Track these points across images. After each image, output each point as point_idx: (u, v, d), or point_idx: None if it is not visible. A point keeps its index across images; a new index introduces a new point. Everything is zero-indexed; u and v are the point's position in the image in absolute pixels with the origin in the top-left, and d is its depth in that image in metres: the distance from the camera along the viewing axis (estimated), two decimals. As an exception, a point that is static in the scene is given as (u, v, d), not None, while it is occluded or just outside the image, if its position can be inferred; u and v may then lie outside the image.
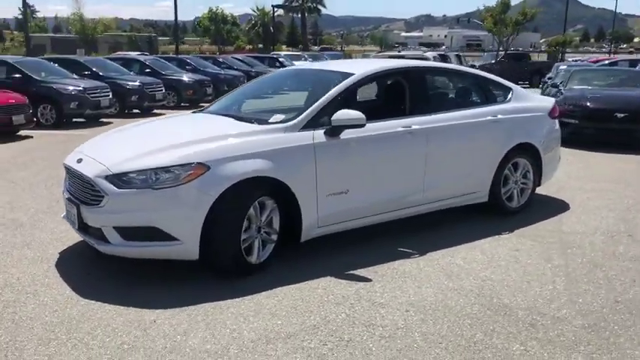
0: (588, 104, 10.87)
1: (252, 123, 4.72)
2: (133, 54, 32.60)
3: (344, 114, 4.59)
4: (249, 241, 4.33)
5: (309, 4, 60.87)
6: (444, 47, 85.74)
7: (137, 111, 16.81)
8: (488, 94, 6.00)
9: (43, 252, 4.88)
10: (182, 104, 18.75)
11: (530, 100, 6.27)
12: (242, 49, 56.22)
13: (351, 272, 4.43)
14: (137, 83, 17.00)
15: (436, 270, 4.51)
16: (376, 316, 3.70)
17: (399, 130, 5.05)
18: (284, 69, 7.48)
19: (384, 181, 5.01)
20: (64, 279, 4.31)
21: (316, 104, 4.74)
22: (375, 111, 5.17)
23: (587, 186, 7.44)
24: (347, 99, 5.03)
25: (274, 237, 4.55)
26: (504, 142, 5.77)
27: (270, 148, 4.38)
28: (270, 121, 4.73)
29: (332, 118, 4.59)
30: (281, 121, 4.66)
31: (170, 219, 4.06)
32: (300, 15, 61.28)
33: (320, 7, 62.67)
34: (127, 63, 20.59)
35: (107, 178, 4.12)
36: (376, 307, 3.83)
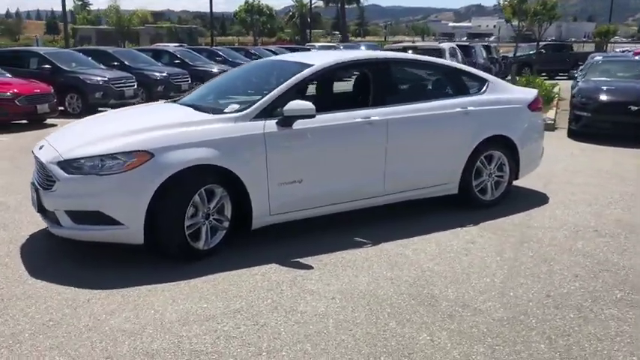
0: (601, 97, 10.57)
1: (208, 113, 4.84)
2: (171, 45, 33.36)
3: (295, 104, 4.67)
4: (196, 227, 4.46)
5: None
6: (492, 37, 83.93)
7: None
8: (460, 85, 5.95)
9: (16, 233, 5.14)
10: None
11: (508, 92, 6.18)
12: (283, 40, 56.63)
13: (297, 260, 4.51)
14: (164, 74, 17.45)
15: (382, 260, 4.54)
16: (300, 303, 3.78)
17: (357, 121, 5.08)
18: (258, 60, 7.57)
19: (341, 172, 5.06)
20: (24, 259, 4.54)
21: (269, 95, 4.83)
22: (337, 102, 5.23)
23: (577, 180, 7.28)
24: (304, 90, 5.09)
25: (226, 224, 4.68)
26: (475, 133, 5.71)
27: (218, 137, 4.50)
28: (225, 110, 4.84)
29: (284, 109, 4.67)
30: (235, 111, 4.77)
31: (115, 204, 4.23)
32: (340, 6, 61.18)
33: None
34: (158, 54, 21.21)
35: (59, 163, 4.32)
36: (304, 294, 3.91)
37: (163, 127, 4.56)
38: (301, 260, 4.52)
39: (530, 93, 6.44)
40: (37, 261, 4.53)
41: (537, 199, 6.36)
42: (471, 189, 5.85)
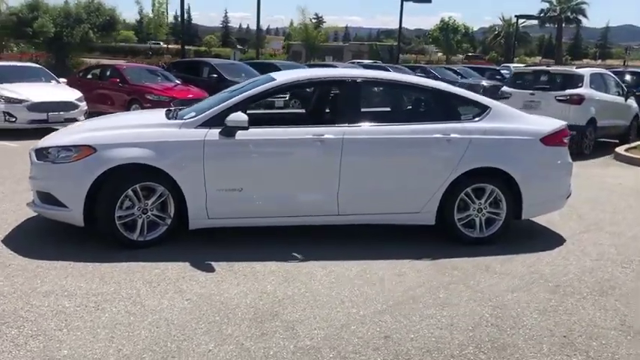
0: None
1: (173, 119, 5.30)
2: (364, 62, 34.82)
3: (234, 116, 4.91)
4: (129, 219, 4.95)
5: (568, 14, 56.15)
6: None
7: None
8: (448, 110, 5.52)
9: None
10: None
11: (516, 122, 5.58)
12: (484, 60, 54.99)
13: (209, 263, 4.72)
14: None
15: (280, 275, 4.52)
16: (154, 299, 4.04)
17: (306, 138, 5.11)
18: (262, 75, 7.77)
19: (286, 186, 5.14)
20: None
21: (219, 106, 5.14)
22: (296, 117, 5.33)
23: (616, 229, 6.21)
24: (262, 103, 5.29)
25: (168, 221, 5.09)
26: (458, 163, 5.30)
27: (157, 140, 4.94)
28: (184, 117, 5.26)
29: (226, 120, 4.95)
30: (187, 119, 5.17)
31: (61, 189, 4.93)
32: (556, 26, 57.10)
33: (581, 17, 57.45)
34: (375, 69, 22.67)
35: (35, 150, 5.16)
36: (170, 293, 4.14)
37: (121, 128, 5.16)
38: (213, 264, 4.72)
39: (550, 125, 5.72)
40: (13, 236, 5.32)
41: (545, 244, 5.62)
42: (453, 222, 5.43)
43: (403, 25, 34.20)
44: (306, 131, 5.17)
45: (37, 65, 14.36)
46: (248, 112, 5.12)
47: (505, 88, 12.39)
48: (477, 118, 5.50)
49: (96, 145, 4.88)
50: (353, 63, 34.09)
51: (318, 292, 4.26)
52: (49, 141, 5.17)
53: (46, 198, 5.04)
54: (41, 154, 5.07)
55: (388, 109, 6.04)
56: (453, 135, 5.31)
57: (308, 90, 6.14)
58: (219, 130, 4.99)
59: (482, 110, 5.54)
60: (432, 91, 5.68)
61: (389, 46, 41.94)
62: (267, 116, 6.09)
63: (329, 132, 5.15)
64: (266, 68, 19.66)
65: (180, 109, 5.79)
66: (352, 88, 5.37)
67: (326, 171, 5.14)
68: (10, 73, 13.33)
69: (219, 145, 4.98)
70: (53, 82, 13.59)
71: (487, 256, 5.15)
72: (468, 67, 30.04)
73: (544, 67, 13.34)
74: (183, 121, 5.12)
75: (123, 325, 3.61)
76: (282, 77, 5.43)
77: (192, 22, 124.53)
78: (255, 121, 5.04)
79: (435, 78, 24.72)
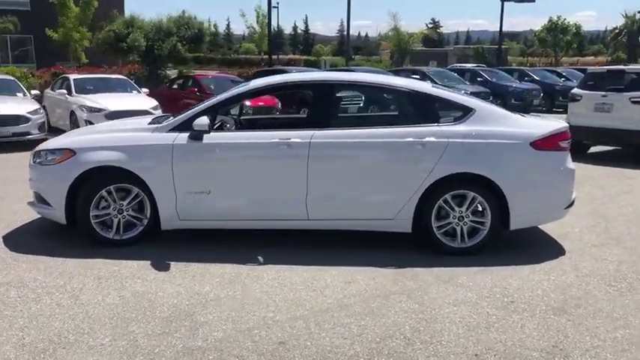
0: None
1: (150, 124, 5.54)
2: (467, 65, 33.88)
3: (199, 120, 5.05)
4: (104, 218, 5.23)
5: None
6: None
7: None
8: (426, 112, 5.25)
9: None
10: None
11: (503, 125, 5.19)
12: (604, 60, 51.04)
13: (169, 263, 4.87)
14: (467, 92, 18.53)
15: (224, 279, 4.55)
16: (76, 290, 4.25)
17: (273, 142, 5.13)
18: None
19: (254, 189, 5.18)
20: None
21: (190, 111, 5.30)
22: (267, 121, 5.36)
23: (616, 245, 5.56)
24: (238, 107, 5.38)
25: (145, 221, 5.33)
26: (433, 168, 5.04)
27: (130, 143, 5.20)
28: (161, 122, 5.49)
29: (193, 124, 5.10)
30: (162, 124, 5.38)
31: (47, 189, 5.34)
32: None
33: None
34: (462, 73, 23.14)
35: (33, 154, 5.63)
36: (95, 287, 4.34)
37: (104, 132, 5.49)
38: (173, 264, 4.85)
39: (544, 128, 5.26)
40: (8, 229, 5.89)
41: (538, 256, 5.18)
42: (431, 231, 5.17)
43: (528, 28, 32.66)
44: (273, 135, 5.18)
45: (123, 77, 15.49)
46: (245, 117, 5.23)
47: (575, 91, 11.50)
48: (457, 122, 5.20)
49: (75, 149, 5.22)
50: (454, 66, 33.36)
51: (251, 295, 4.25)
52: (44, 144, 5.61)
53: (39, 197, 5.46)
54: (36, 156, 5.51)
55: (361, 112, 5.87)
56: (427, 139, 5.06)
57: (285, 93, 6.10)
58: (188, 134, 5.13)
59: (464, 113, 5.22)
60: (409, 94, 5.45)
61: (496, 48, 40.11)
62: (255, 121, 6.15)
63: (296, 136, 5.12)
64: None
65: (172, 115, 6.02)
66: (323, 92, 5.30)
67: (293, 175, 5.11)
68: (99, 84, 14.54)
69: (187, 149, 5.12)
70: (134, 92, 14.59)
71: (461, 267, 4.85)
72: (576, 69, 28.12)
73: (619, 67, 12.17)
74: (156, 125, 5.33)
75: (44, 317, 3.84)
76: (255, 82, 5.48)
77: (311, 32, 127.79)
78: (241, 126, 5.12)
79: (533, 81, 23.61)
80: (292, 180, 5.12)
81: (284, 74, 7.28)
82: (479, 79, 21.95)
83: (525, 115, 5.83)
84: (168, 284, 4.45)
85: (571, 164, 5.34)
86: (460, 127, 5.14)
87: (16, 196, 6.85)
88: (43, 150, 5.46)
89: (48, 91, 15.55)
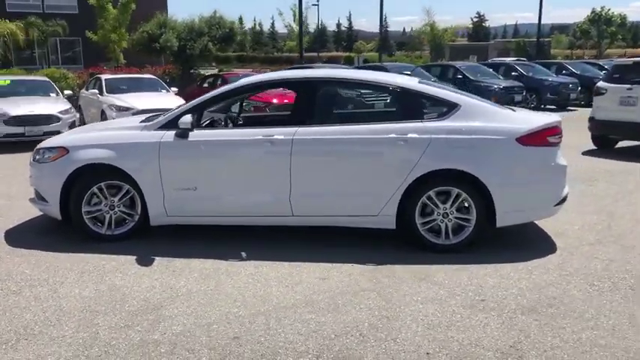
0: None
1: (142, 122, 5.68)
2: (507, 60, 33.16)
3: (184, 118, 5.16)
4: (96, 214, 5.40)
5: None
6: None
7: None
8: (408, 108, 5.18)
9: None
10: (543, 106, 19.66)
11: (488, 121, 5.08)
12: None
13: (153, 258, 4.99)
14: (500, 86, 18.67)
15: (202, 274, 4.64)
16: (57, 284, 4.41)
17: (256, 139, 5.18)
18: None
19: (239, 186, 5.24)
20: None
21: (177, 109, 5.40)
22: (253, 119, 5.42)
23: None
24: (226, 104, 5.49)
25: (136, 217, 5.48)
26: (416, 164, 4.99)
27: (119, 141, 5.35)
28: (153, 121, 5.62)
29: (178, 122, 5.21)
30: (152, 122, 5.51)
31: (43, 186, 5.55)
32: None
33: None
34: (496, 67, 22.62)
35: (34, 152, 5.85)
36: (76, 281, 4.50)
37: (97, 130, 5.66)
38: (158, 259, 4.96)
39: (531, 123, 5.12)
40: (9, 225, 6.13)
41: (527, 254, 5.06)
42: (414, 227, 5.13)
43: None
44: (257, 132, 5.24)
45: (153, 76, 15.86)
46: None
47: (600, 84, 11.11)
48: (441, 117, 5.13)
49: (69, 147, 5.41)
50: (494, 60, 32.78)
51: (223, 290, 4.32)
52: (43, 143, 5.83)
53: (38, 194, 5.68)
54: (35, 154, 5.73)
55: (344, 108, 5.83)
56: (410, 135, 5.02)
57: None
58: (175, 131, 5.24)
59: (449, 108, 5.14)
60: (392, 90, 5.40)
61: (540, 41, 39.06)
62: (247, 118, 6.22)
63: (279, 132, 5.15)
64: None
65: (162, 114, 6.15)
66: (305, 89, 5.32)
67: (277, 172, 5.15)
68: (129, 84, 14.95)
69: (173, 146, 5.23)
70: (164, 91, 14.92)
71: (442, 265, 4.80)
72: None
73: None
74: (145, 124, 5.46)
75: (19, 309, 4.01)
76: (240, 81, 5.55)
77: (354, 28, 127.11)
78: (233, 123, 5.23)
79: (571, 74, 22.88)
80: (276, 176, 5.16)
81: (271, 73, 7.32)
82: (513, 73, 21.49)
83: (518, 109, 5.70)
84: (146, 278, 4.56)
85: (562, 160, 5.19)
86: (444, 123, 5.07)
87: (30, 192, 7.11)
88: (41, 148, 5.67)
89: (83, 91, 16.08)
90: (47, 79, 14.70)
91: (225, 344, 3.50)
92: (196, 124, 5.29)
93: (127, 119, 6.57)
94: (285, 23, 43.69)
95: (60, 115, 12.27)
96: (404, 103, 5.28)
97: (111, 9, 22.75)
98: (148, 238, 5.47)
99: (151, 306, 4.04)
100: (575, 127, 11.14)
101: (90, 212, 5.39)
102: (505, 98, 19.05)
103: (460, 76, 20.16)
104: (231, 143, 5.23)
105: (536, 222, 5.86)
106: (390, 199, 5.07)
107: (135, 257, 5.00)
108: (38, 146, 5.79)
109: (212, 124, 5.71)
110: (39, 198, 5.64)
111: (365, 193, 5.11)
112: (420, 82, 5.45)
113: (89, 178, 5.34)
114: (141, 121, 5.69)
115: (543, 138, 5.05)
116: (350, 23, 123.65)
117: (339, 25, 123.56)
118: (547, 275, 4.58)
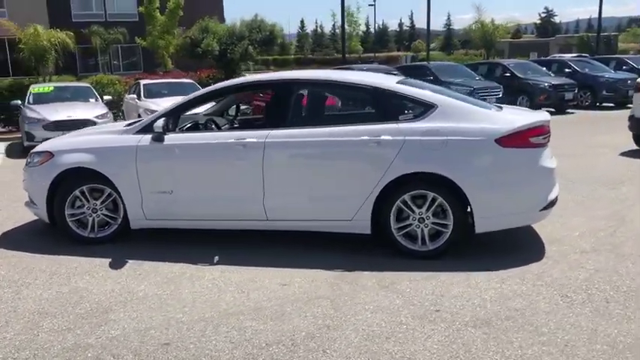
0: None
1: (126, 126, 5.76)
2: (566, 56, 31.87)
3: (159, 122, 5.19)
4: (79, 217, 5.51)
5: None
6: None
7: (552, 110, 16.29)
8: (383, 109, 5.00)
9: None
10: (598, 104, 19.04)
11: (466, 121, 4.83)
12: None
13: (126, 261, 5.03)
14: (550, 84, 18.15)
15: (164, 278, 4.64)
16: (23, 285, 4.50)
17: (228, 142, 5.15)
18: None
19: (213, 190, 5.22)
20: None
21: (155, 114, 5.45)
22: (238, 122, 5.40)
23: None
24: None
25: (119, 220, 5.56)
26: (389, 167, 4.81)
27: (100, 145, 5.44)
28: (133, 125, 5.68)
29: (153, 125, 5.25)
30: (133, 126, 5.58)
31: (32, 190, 5.72)
32: None
33: None
34: (549, 64, 22.09)
35: (28, 155, 6.05)
36: (44, 283, 4.59)
37: (82, 135, 5.78)
38: (130, 261, 5.01)
39: (512, 123, 4.82)
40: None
41: (507, 262, 4.78)
42: (390, 233, 4.96)
43: None
44: (230, 135, 5.21)
45: (190, 81, 16.15)
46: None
47: (640, 80, 10.44)
48: (416, 118, 4.92)
49: (54, 151, 5.55)
50: (554, 57, 31.55)
51: (177, 295, 4.29)
52: (35, 148, 6.01)
53: (30, 198, 5.86)
54: (28, 158, 5.92)
55: (317, 110, 5.66)
56: (383, 137, 4.84)
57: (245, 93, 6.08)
58: (152, 135, 5.28)
59: (425, 109, 4.93)
60: (366, 90, 5.22)
61: (606, 36, 37.31)
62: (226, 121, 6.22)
63: (252, 136, 5.10)
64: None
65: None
66: (277, 91, 5.24)
67: (250, 176, 5.09)
68: (167, 89, 15.28)
69: (149, 150, 5.27)
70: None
71: (412, 272, 4.59)
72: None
73: None
74: (125, 128, 5.53)
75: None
76: (216, 85, 5.53)
77: (417, 27, 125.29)
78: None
79: (631, 70, 21.65)
80: (249, 180, 5.10)
81: (249, 76, 7.27)
82: (567, 69, 20.56)
83: (508, 108, 5.42)
84: (110, 281, 4.60)
85: (549, 161, 4.88)
86: (419, 124, 4.86)
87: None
88: (33, 152, 5.85)
89: (126, 95, 16.59)
90: (88, 85, 15.24)
91: (153, 350, 3.46)
92: (172, 128, 5.29)
93: (111, 124, 6.69)
94: (338, 25, 43.56)
95: (96, 120, 12.63)
96: (378, 104, 5.10)
97: (159, 16, 23.40)
98: (131, 242, 5.51)
99: (100, 309, 4.07)
100: (625, 125, 10.49)
101: (73, 215, 5.50)
102: (555, 96, 18.31)
103: (508, 74, 19.50)
104: (204, 147, 5.21)
105: (533, 227, 5.55)
106: (364, 203, 4.91)
107: (109, 260, 5.06)
108: (31, 151, 5.97)
109: (194, 128, 5.71)
110: (31, 201, 5.81)
111: (338, 196, 4.97)
112: (398, 83, 5.25)
113: (72, 181, 5.46)
114: (124, 126, 5.77)
115: (525, 139, 4.76)
116: (412, 22, 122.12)
117: (400, 24, 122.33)
118: (519, 285, 4.30)
